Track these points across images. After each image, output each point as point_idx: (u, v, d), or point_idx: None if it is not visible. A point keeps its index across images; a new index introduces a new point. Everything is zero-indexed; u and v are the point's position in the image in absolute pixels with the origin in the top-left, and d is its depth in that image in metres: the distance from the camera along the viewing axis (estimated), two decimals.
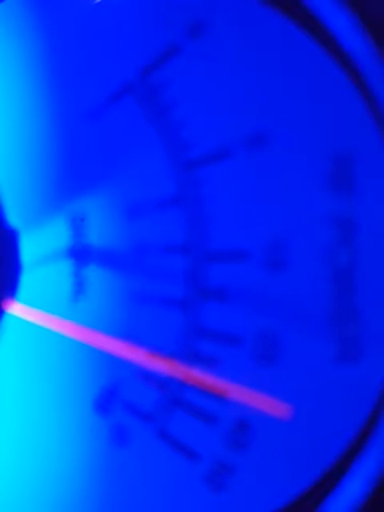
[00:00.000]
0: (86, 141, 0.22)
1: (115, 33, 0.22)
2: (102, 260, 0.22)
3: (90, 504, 0.22)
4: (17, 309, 0.22)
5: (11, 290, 0.22)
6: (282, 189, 0.22)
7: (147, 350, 0.22)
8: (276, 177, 0.22)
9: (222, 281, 0.22)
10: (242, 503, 0.22)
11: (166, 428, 0.22)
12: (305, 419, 0.21)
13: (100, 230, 0.22)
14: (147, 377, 0.22)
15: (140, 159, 0.22)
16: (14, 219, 0.22)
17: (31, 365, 0.22)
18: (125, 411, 0.22)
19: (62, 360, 0.22)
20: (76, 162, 0.22)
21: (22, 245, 0.22)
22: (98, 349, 0.22)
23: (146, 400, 0.22)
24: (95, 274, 0.22)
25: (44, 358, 0.22)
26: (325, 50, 0.22)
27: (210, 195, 0.22)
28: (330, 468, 0.21)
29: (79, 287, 0.22)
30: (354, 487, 0.21)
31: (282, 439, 0.21)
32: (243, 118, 0.22)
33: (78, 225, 0.22)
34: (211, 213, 0.22)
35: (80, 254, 0.22)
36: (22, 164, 0.22)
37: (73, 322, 0.22)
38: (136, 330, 0.22)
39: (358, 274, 0.22)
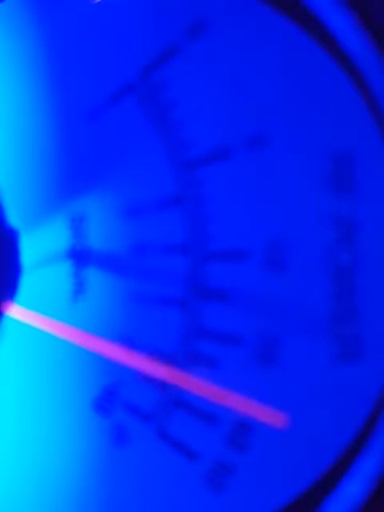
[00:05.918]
0: (87, 141, 0.22)
1: (115, 33, 0.22)
2: (101, 261, 0.22)
3: (90, 504, 0.22)
4: (16, 311, 0.22)
5: (11, 292, 0.22)
6: (282, 189, 0.22)
7: (147, 352, 0.22)
8: (276, 177, 0.22)
9: (221, 281, 0.22)
10: (242, 503, 0.22)
11: (165, 428, 0.22)
12: (305, 419, 0.21)
13: (100, 231, 0.22)
14: (147, 377, 0.22)
15: (140, 159, 0.22)
16: (14, 219, 0.22)
17: (31, 365, 0.22)
18: (125, 411, 0.22)
19: (61, 360, 0.22)
20: (76, 162, 0.22)
21: (22, 246, 0.22)
22: (97, 352, 0.22)
23: (145, 400, 0.22)
24: (95, 275, 0.22)
25: (44, 358, 0.22)
26: (325, 50, 0.22)
27: (210, 195, 0.22)
28: (329, 468, 0.21)
29: (79, 288, 0.22)
30: (354, 487, 0.21)
31: (281, 439, 0.21)
32: (243, 118, 0.22)
33: (77, 225, 0.22)
34: (211, 213, 0.22)
35: (80, 254, 0.22)
36: (22, 164, 0.22)
37: (72, 324, 0.22)
38: (136, 330, 0.22)
39: (358, 273, 0.22)
